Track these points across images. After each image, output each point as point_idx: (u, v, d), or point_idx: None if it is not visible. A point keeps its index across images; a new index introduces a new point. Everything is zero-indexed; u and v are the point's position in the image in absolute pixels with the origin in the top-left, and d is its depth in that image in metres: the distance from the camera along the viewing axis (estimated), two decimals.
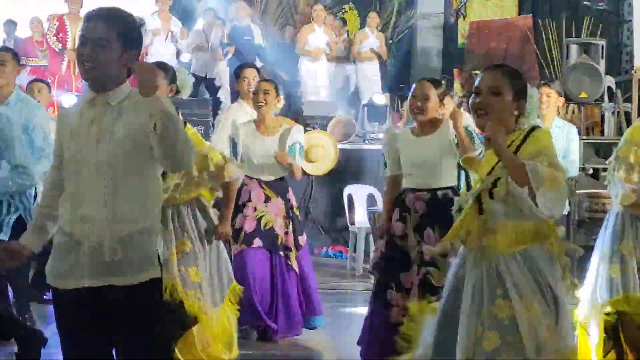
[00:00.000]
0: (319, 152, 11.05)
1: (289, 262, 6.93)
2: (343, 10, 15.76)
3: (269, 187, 6.96)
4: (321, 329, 7.31)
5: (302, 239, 7.08)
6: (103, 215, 3.62)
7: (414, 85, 5.86)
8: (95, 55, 3.64)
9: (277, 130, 6.95)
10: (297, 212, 7.15)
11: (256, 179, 6.94)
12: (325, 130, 11.50)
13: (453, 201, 4.86)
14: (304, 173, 11.17)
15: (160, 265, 3.73)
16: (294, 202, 7.12)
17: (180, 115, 5.21)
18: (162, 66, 5.51)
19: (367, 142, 11.86)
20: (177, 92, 5.60)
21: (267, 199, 6.92)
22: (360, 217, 10.49)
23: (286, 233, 6.93)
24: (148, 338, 3.66)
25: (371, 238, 9.81)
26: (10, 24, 13.97)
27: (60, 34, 13.02)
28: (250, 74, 7.63)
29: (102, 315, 3.63)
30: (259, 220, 6.84)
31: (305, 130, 11.37)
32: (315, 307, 7.18)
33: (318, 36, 13.94)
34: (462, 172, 5.64)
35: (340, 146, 11.33)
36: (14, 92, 6.19)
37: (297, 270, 6.99)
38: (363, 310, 6.45)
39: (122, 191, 3.63)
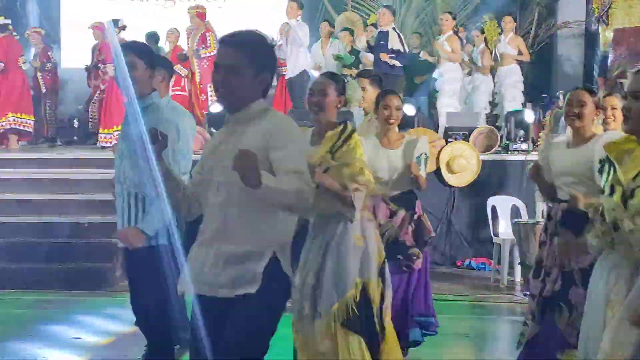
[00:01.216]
0: (461, 163, 11.02)
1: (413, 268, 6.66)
2: (482, 21, 15.63)
3: (394, 201, 6.62)
4: (466, 340, 7.28)
5: (424, 248, 6.78)
6: (218, 233, 3.76)
7: (569, 94, 5.80)
8: (228, 82, 3.74)
9: (400, 143, 6.63)
10: (425, 221, 6.79)
11: (380, 194, 6.46)
12: (468, 141, 11.43)
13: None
14: (447, 184, 11.24)
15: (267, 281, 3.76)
16: (420, 212, 6.78)
17: (349, 125, 5.32)
18: (332, 77, 5.53)
19: (510, 152, 11.73)
20: (345, 103, 5.58)
21: (392, 214, 6.60)
22: (504, 229, 10.38)
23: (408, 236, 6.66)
24: None
25: (516, 250, 9.70)
26: (152, 37, 14.31)
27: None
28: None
29: None
30: (382, 236, 6.49)
31: (447, 142, 11.38)
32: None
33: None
34: None
35: (482, 157, 11.26)
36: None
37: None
38: (508, 322, 6.38)
39: (236, 212, 3.73)
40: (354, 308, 5.31)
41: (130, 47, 5.29)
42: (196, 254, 3.85)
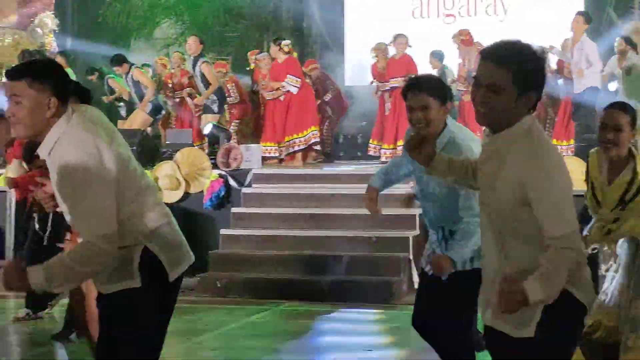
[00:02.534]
0: None
1: None
2: None
3: None
4: None
5: None
6: (495, 259, 3.52)
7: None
8: (488, 101, 3.37)
9: None
10: None
11: None
12: None
13: None
14: None
15: None
16: None
17: None
18: (624, 108, 5.32)
19: None
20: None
21: None
22: None
23: None
24: None
25: None
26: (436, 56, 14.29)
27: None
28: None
29: None
30: None
31: None
32: None
33: None
34: None
35: None
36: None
37: None
38: None
39: (490, 235, 3.51)
40: None
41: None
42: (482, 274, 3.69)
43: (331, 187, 11.68)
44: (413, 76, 6.12)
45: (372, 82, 14.31)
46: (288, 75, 13.62)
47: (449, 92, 5.19)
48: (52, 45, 15.92)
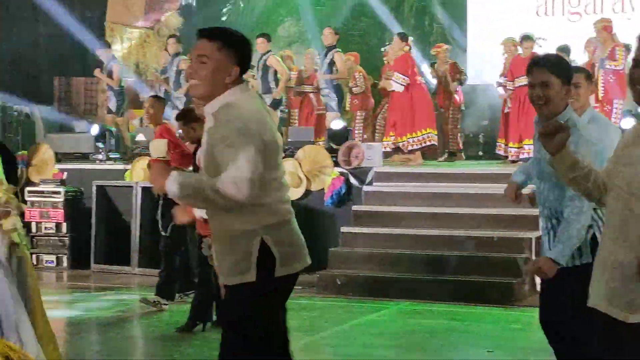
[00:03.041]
0: None
1: None
2: None
3: None
4: None
5: None
6: (615, 241, 3.53)
7: None
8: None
9: None
10: None
11: None
12: None
13: None
14: None
15: None
16: None
17: None
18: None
19: None
20: None
21: None
22: None
23: None
24: None
25: None
26: (563, 50, 14.05)
27: None
28: None
29: None
30: None
31: None
32: None
33: None
34: None
35: None
36: (587, 111, 6.03)
37: None
38: None
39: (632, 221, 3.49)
40: None
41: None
42: (596, 262, 3.69)
43: (452, 186, 11.60)
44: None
45: (502, 80, 14.04)
46: (395, 73, 13.67)
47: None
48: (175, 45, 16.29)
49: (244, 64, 4.01)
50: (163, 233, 9.22)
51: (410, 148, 13.59)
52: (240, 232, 3.95)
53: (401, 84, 13.51)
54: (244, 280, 3.94)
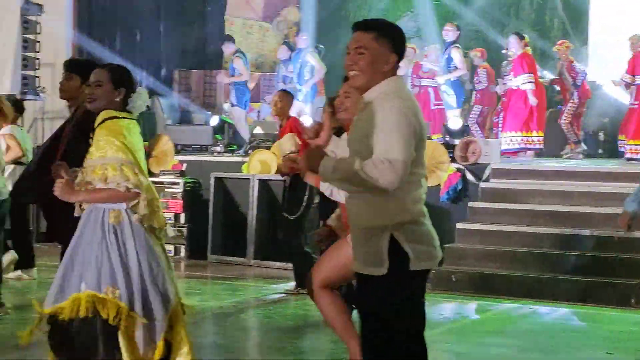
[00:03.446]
0: None
1: None
2: None
3: None
4: None
5: None
6: None
7: None
8: None
9: None
10: None
11: None
12: None
13: None
14: None
15: None
16: None
17: None
18: None
19: None
20: None
21: None
22: None
23: None
24: None
25: None
26: None
27: None
28: None
29: None
30: None
31: None
32: None
33: None
34: None
35: None
36: None
37: None
38: None
39: None
40: None
41: None
42: None
43: (571, 184, 11.38)
44: None
45: (628, 78, 13.68)
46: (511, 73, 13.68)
47: None
48: (295, 38, 16.41)
49: (400, 51, 4.11)
50: (289, 217, 9.26)
51: (516, 146, 13.54)
52: (372, 226, 4.01)
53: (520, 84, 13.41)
54: (376, 273, 4.00)
